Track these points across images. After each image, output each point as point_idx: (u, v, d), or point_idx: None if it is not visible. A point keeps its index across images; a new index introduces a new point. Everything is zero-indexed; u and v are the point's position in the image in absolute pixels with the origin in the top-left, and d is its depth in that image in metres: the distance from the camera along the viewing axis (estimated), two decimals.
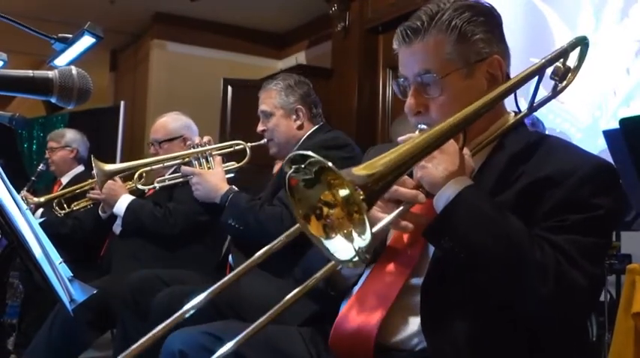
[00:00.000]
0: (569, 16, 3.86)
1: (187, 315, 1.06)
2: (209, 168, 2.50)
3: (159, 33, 6.78)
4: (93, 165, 2.68)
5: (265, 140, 2.53)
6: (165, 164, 2.76)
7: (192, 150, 2.57)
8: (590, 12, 3.74)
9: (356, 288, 1.33)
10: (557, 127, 3.73)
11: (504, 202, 1.20)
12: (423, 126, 1.28)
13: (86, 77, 0.97)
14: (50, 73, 0.95)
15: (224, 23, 6.82)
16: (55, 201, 3.19)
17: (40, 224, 1.46)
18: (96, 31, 2.20)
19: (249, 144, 2.57)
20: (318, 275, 1.15)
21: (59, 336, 2.52)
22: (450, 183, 1.17)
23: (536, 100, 1.39)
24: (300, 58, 6.68)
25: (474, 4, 1.33)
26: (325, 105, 2.70)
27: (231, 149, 2.60)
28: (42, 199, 3.23)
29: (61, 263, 1.26)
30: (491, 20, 1.33)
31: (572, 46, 1.37)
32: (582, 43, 1.40)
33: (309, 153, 1.00)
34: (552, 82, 1.38)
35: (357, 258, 1.02)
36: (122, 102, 6.13)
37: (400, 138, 1.22)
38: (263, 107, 2.52)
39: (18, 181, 2.35)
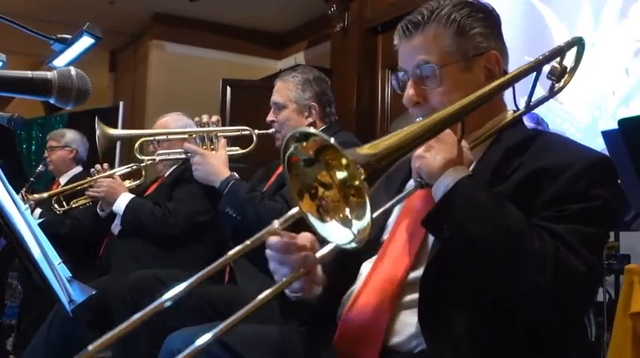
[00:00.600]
0: (568, 16, 3.86)
1: (167, 304, 1.05)
2: (213, 149, 2.44)
3: (158, 33, 6.78)
4: (96, 127, 2.61)
5: (273, 130, 2.47)
6: (170, 138, 2.73)
7: (198, 129, 2.50)
8: (590, 12, 3.75)
9: (358, 286, 1.33)
10: (556, 127, 3.73)
11: (502, 193, 1.21)
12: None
13: (85, 78, 0.97)
14: (49, 74, 0.95)
15: (223, 23, 6.82)
16: (54, 198, 3.18)
17: (39, 224, 1.46)
18: (95, 31, 2.20)
19: (256, 131, 2.51)
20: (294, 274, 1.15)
21: (58, 337, 2.52)
22: (449, 171, 1.18)
23: (533, 100, 1.40)
24: (299, 58, 6.68)
25: (473, 2, 1.37)
26: None
27: (238, 133, 2.54)
28: (45, 195, 3.22)
29: (59, 263, 1.26)
30: (490, 17, 1.37)
31: (568, 46, 1.39)
32: (579, 43, 1.41)
33: (312, 130, 1.02)
34: (550, 83, 1.39)
35: (354, 243, 1.03)
36: (121, 103, 6.13)
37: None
38: (276, 98, 2.45)
39: (16, 182, 2.35)
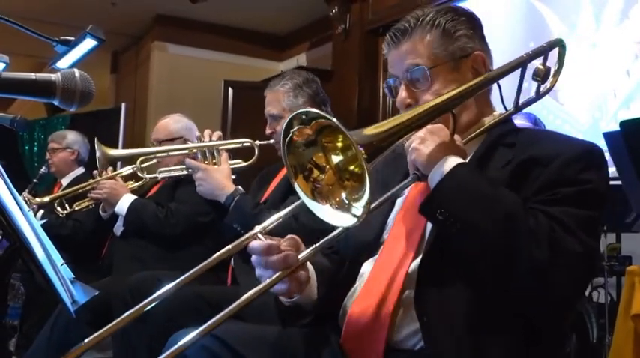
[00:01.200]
0: (568, 17, 3.86)
1: (153, 304, 1.13)
2: (215, 163, 2.40)
3: (160, 35, 6.79)
4: (96, 148, 2.62)
5: (274, 141, 2.44)
6: (171, 154, 2.72)
7: (198, 144, 2.47)
8: (590, 13, 3.75)
9: (360, 285, 1.34)
10: (557, 128, 3.73)
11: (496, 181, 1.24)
12: None
13: (88, 80, 0.98)
14: (53, 76, 0.96)
15: (225, 25, 6.83)
16: (57, 201, 3.19)
17: (41, 226, 1.47)
18: (98, 34, 2.20)
19: (257, 142, 2.47)
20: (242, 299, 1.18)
21: (60, 337, 2.53)
22: (443, 160, 1.21)
23: (522, 101, 1.43)
24: (300, 59, 6.69)
25: (455, 7, 1.45)
26: None
27: (239, 146, 2.50)
28: (46, 199, 3.22)
29: (62, 264, 1.26)
30: (472, 20, 1.43)
31: (550, 46, 1.43)
32: (559, 44, 1.46)
33: (314, 110, 1.07)
34: (536, 84, 1.43)
35: (352, 221, 1.06)
36: (123, 104, 6.15)
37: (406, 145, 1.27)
38: (271, 110, 2.42)
39: (19, 183, 2.36)
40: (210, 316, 1.16)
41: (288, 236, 1.24)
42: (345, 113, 5.19)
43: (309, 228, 1.91)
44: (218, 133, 2.48)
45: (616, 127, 2.14)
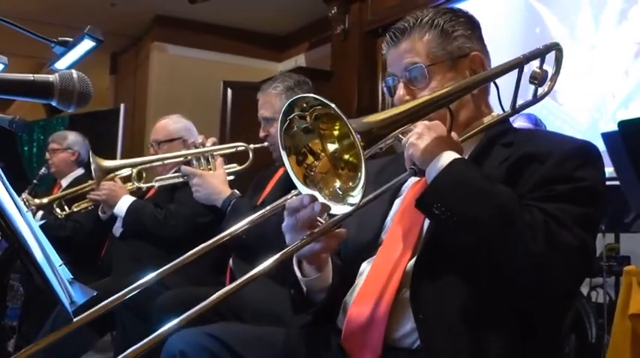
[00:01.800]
0: (567, 18, 3.87)
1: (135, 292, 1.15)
2: (210, 169, 2.43)
3: (159, 35, 6.79)
4: (91, 161, 2.65)
5: (268, 144, 2.46)
6: (166, 162, 2.73)
7: (193, 150, 2.50)
8: (590, 14, 3.75)
9: (359, 285, 1.34)
10: (556, 129, 3.74)
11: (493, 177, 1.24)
12: None
13: (86, 81, 0.98)
14: (51, 77, 0.96)
15: (224, 26, 6.84)
16: (56, 202, 3.19)
17: (40, 226, 1.47)
18: (96, 34, 2.20)
19: (251, 146, 2.50)
20: (270, 261, 1.16)
21: (59, 338, 2.52)
22: (441, 155, 1.21)
23: (520, 103, 1.44)
24: (299, 60, 6.69)
25: (454, 9, 1.47)
26: None
27: (234, 150, 2.53)
28: (45, 200, 3.23)
29: (61, 265, 1.26)
30: (471, 21, 1.45)
31: (547, 49, 1.43)
32: (556, 48, 1.45)
33: (314, 96, 1.07)
34: (534, 87, 1.43)
35: (345, 210, 1.07)
36: (122, 105, 6.15)
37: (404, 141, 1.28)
38: (264, 113, 2.44)
39: (18, 184, 2.36)
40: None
41: None
42: (344, 113, 5.18)
43: None
44: (213, 139, 2.51)
45: (615, 128, 2.14)
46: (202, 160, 2.45)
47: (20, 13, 5.25)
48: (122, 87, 7.69)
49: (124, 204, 2.80)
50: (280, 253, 1.15)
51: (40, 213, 3.53)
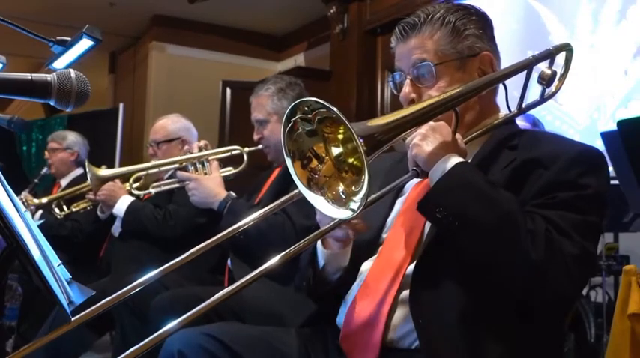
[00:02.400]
0: (567, 18, 3.87)
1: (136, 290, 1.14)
2: (205, 173, 2.46)
3: (158, 35, 6.79)
4: (87, 170, 2.67)
5: (262, 146, 2.49)
6: (162, 169, 2.75)
7: (188, 156, 2.54)
8: (588, 14, 3.75)
9: (358, 285, 1.34)
10: (555, 129, 3.74)
11: (496, 182, 1.23)
12: None
13: (84, 80, 0.98)
14: (49, 77, 0.96)
15: (223, 25, 6.83)
16: (55, 202, 3.19)
17: (39, 226, 1.47)
18: (94, 34, 2.20)
19: (246, 149, 2.53)
20: (275, 260, 1.18)
21: (58, 338, 2.52)
22: (445, 158, 1.21)
23: (527, 103, 1.43)
24: (298, 59, 6.69)
25: (467, 6, 1.43)
26: None
27: (229, 154, 2.56)
28: (44, 200, 3.23)
29: (59, 265, 1.26)
30: (483, 20, 1.42)
31: (557, 50, 1.42)
32: (566, 48, 1.44)
33: (317, 99, 1.07)
34: (541, 87, 1.42)
35: (348, 214, 1.07)
36: (121, 105, 6.14)
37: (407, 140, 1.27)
38: (257, 115, 2.47)
39: (17, 184, 2.35)
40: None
41: None
42: (343, 113, 5.18)
43: (304, 226, 1.92)
44: (204, 142, 2.55)
45: (614, 127, 2.14)
46: (198, 165, 2.48)
47: (19, 12, 5.25)
48: (121, 86, 7.68)
49: (123, 204, 2.80)
50: (317, 232, 1.18)
51: (40, 212, 3.53)
